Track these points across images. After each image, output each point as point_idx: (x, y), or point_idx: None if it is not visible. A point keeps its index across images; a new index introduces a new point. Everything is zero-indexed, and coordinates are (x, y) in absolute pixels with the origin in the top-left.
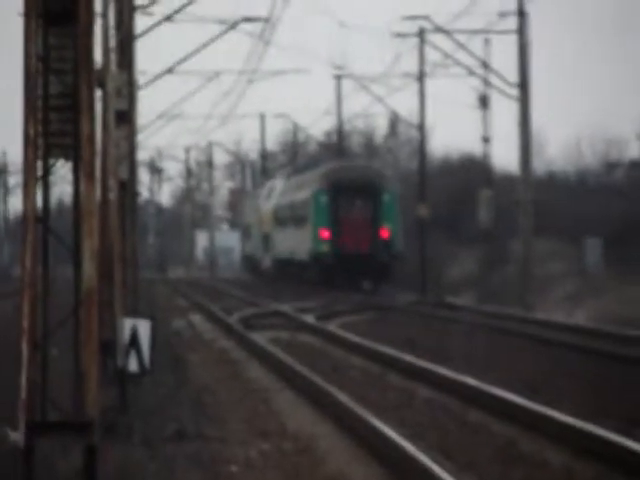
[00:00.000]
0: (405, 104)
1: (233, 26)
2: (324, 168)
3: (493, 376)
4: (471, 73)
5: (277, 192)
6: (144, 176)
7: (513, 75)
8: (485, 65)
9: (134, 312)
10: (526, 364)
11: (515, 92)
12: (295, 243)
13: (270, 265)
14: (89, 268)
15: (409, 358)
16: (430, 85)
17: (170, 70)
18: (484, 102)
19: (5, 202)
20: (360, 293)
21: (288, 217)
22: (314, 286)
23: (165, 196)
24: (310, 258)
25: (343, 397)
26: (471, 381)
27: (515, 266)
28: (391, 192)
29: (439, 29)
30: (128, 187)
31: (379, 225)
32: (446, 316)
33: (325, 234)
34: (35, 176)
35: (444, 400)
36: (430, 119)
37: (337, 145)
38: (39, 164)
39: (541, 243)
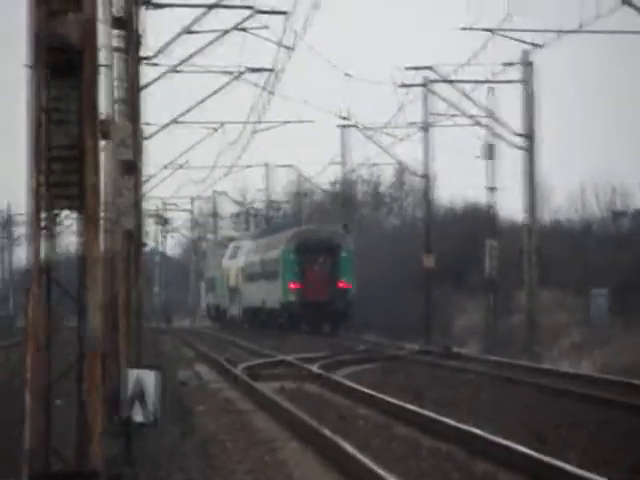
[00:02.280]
0: (410, 153)
1: (238, 77)
2: (292, 231)
3: (499, 426)
4: (476, 123)
5: (244, 251)
6: (150, 227)
7: (518, 124)
8: (490, 115)
9: (139, 362)
10: (532, 413)
11: (520, 141)
12: (266, 294)
13: (238, 313)
14: (94, 319)
15: (415, 408)
16: (435, 134)
17: (175, 120)
18: (489, 152)
19: (10, 253)
20: (322, 335)
21: (258, 272)
22: (286, 331)
23: (171, 246)
24: (281, 306)
25: (349, 447)
26: (477, 431)
27: (521, 316)
28: (348, 250)
29: (443, 79)
30: (134, 237)
31: (337, 278)
32: (452, 366)
33: (293, 286)
34: (40, 227)
35: (450, 450)
36: (435, 168)
37: (343, 194)
38: (44, 215)
39: (546, 293)
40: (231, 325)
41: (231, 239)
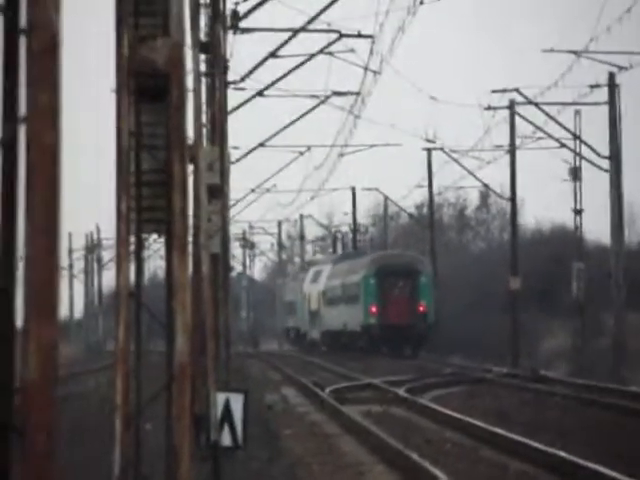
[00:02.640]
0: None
1: (324, 100)
2: (372, 256)
3: (587, 449)
4: (562, 145)
5: (324, 276)
6: (237, 250)
7: (604, 147)
8: (576, 137)
9: (227, 386)
10: (620, 437)
11: (606, 164)
12: (347, 317)
13: (318, 337)
14: (181, 343)
15: (501, 431)
16: (521, 157)
17: (262, 144)
18: (575, 174)
19: (99, 277)
20: (402, 357)
21: (338, 296)
22: (367, 354)
23: (257, 270)
24: (361, 329)
25: (436, 470)
26: (565, 454)
27: (609, 339)
28: (427, 274)
29: (529, 101)
30: (221, 261)
31: (417, 301)
32: (539, 389)
33: (374, 309)
34: (128, 251)
35: (537, 474)
36: (521, 191)
37: (428, 218)
38: (132, 239)
39: (635, 316)
40: (311, 348)
41: (310, 263)
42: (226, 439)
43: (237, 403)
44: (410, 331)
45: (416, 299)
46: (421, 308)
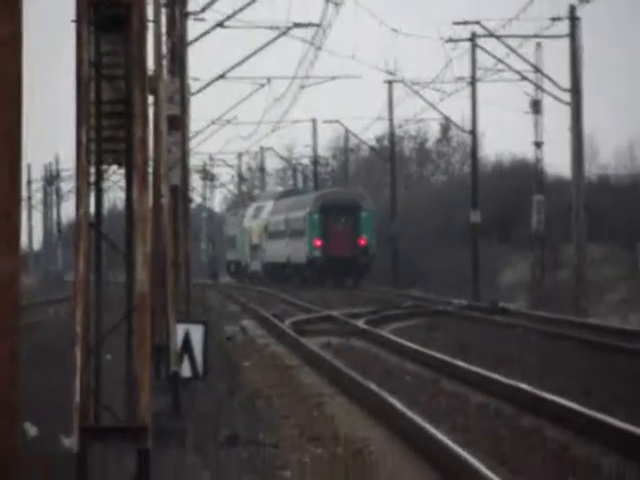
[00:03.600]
0: (457, 109)
1: (285, 32)
2: (316, 193)
3: (546, 381)
4: (523, 78)
5: (266, 212)
6: (197, 182)
7: (565, 80)
8: (537, 70)
9: (186, 317)
10: (580, 369)
11: (567, 97)
12: (292, 250)
13: (259, 269)
14: (142, 273)
15: (461, 363)
16: (482, 90)
17: (222, 76)
18: (536, 107)
19: (58, 208)
20: (343, 288)
21: (281, 231)
22: (312, 285)
23: (217, 202)
24: (307, 261)
25: (396, 402)
26: (524, 386)
27: (568, 271)
28: (368, 210)
29: (491, 34)
30: (180, 193)
31: (358, 235)
32: (499, 321)
33: (318, 243)
34: (88, 182)
35: (498, 406)
36: (482, 124)
37: (389, 151)
38: (92, 170)
39: (594, 248)
40: (253, 280)
41: (250, 199)
42: (186, 370)
43: (197, 334)
44: (351, 263)
45: (357, 233)
46: (362, 241)
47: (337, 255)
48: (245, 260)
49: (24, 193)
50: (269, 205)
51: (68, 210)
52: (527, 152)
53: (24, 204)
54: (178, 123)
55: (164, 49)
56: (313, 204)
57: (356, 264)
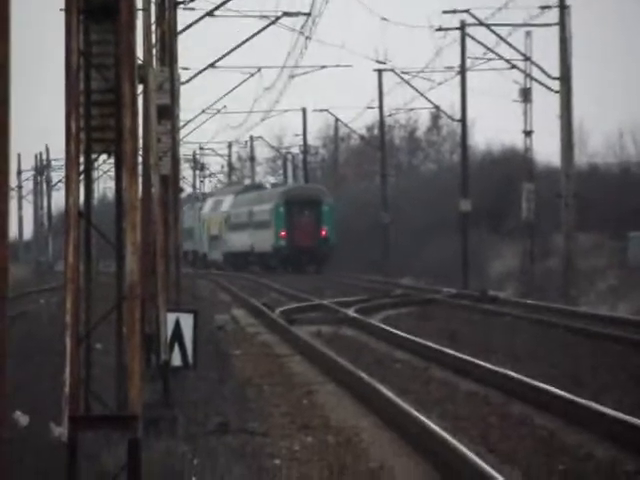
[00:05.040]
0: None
1: (274, 21)
2: (282, 188)
3: (536, 369)
4: (512, 66)
5: (226, 205)
6: (187, 172)
7: (554, 68)
8: (526, 58)
9: (177, 306)
10: (569, 356)
11: (556, 85)
12: (256, 240)
13: (220, 258)
14: (132, 262)
15: (451, 351)
16: (471, 79)
17: (212, 65)
18: (525, 95)
19: (49, 198)
20: (307, 274)
21: (244, 222)
22: (276, 272)
23: (207, 191)
24: (273, 250)
25: (386, 390)
26: (513, 374)
27: (558, 260)
28: (329, 204)
29: (480, 23)
30: (170, 182)
31: (320, 227)
32: (489, 309)
33: (283, 233)
34: (77, 171)
35: (487, 393)
36: (472, 113)
37: (379, 140)
38: (81, 159)
39: (584, 236)
40: (213, 268)
41: (205, 195)
42: (176, 359)
43: (187, 323)
44: (313, 252)
45: (319, 225)
46: (323, 232)
47: (300, 245)
48: (203, 250)
49: (14, 182)
50: (229, 199)
51: (58, 200)
52: (517, 141)
53: (14, 194)
54: (168, 112)
55: (153, 38)
56: (279, 198)
57: (318, 253)
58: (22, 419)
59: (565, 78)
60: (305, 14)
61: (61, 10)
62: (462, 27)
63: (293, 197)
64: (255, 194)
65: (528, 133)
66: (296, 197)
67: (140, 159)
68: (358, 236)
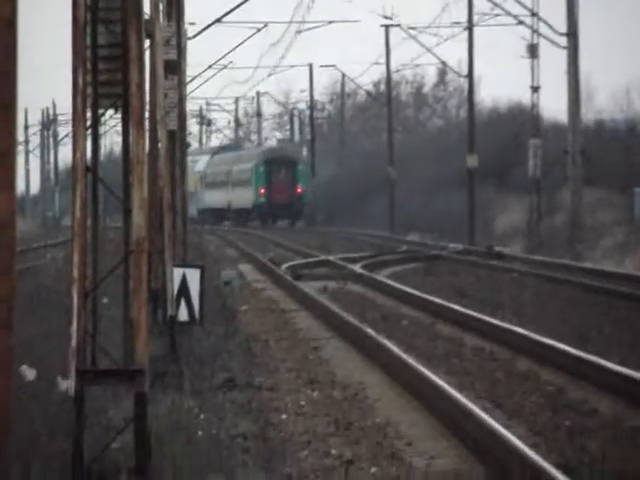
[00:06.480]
0: (454, 54)
1: None
2: (261, 148)
3: (542, 325)
4: (519, 22)
5: (201, 165)
6: (193, 127)
7: (562, 24)
8: (534, 14)
9: (183, 261)
10: (575, 313)
11: (563, 41)
12: (235, 197)
13: (195, 213)
14: (138, 217)
15: (458, 307)
16: (478, 34)
17: (218, 21)
18: (533, 51)
19: (56, 153)
20: (284, 228)
21: (221, 181)
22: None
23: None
24: (252, 206)
25: (392, 346)
26: (520, 330)
27: (564, 216)
28: (304, 164)
29: None
30: (177, 137)
31: (295, 185)
32: (495, 265)
33: (262, 191)
34: (84, 126)
35: (493, 349)
36: (478, 69)
37: (386, 95)
38: (88, 114)
39: (590, 193)
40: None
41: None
42: (183, 314)
43: (194, 278)
44: (289, 208)
45: (294, 183)
46: (298, 190)
47: (278, 201)
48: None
49: (21, 137)
50: (203, 160)
51: (66, 155)
52: (523, 97)
53: (21, 149)
54: (175, 67)
55: None
56: (258, 158)
57: (293, 209)
58: (29, 373)
59: (572, 33)
60: None
61: None
62: None
63: (272, 157)
64: (233, 154)
65: (535, 89)
66: (274, 157)
67: (147, 114)
68: (364, 192)
